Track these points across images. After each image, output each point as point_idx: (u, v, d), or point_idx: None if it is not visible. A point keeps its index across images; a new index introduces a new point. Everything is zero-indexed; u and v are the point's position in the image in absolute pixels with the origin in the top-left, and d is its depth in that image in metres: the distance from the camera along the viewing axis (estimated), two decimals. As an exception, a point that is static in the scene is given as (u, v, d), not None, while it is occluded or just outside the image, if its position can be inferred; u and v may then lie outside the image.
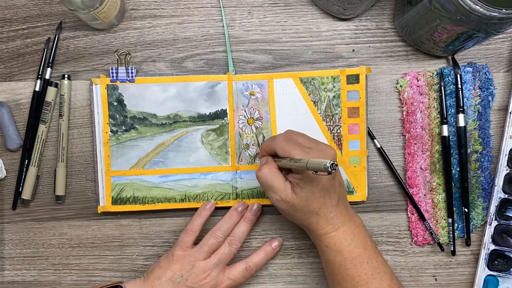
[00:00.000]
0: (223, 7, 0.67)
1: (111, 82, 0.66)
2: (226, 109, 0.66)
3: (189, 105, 0.66)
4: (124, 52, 0.66)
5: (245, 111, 0.66)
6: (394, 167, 0.66)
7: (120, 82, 0.66)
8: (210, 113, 0.66)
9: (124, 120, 0.66)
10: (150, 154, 0.66)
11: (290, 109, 0.66)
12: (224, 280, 0.62)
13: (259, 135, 0.66)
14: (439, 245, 0.66)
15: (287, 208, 0.56)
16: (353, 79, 0.65)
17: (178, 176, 0.66)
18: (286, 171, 0.57)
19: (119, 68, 0.66)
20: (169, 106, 0.66)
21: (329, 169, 0.47)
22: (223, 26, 0.67)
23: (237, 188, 0.66)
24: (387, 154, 0.66)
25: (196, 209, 0.66)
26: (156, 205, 0.66)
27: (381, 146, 0.66)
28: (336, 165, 0.48)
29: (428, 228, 0.66)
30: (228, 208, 0.66)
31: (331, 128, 0.66)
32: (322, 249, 0.58)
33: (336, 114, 0.66)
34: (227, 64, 0.67)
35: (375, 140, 0.66)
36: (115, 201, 0.66)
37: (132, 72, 0.65)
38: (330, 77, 0.65)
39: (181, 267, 0.61)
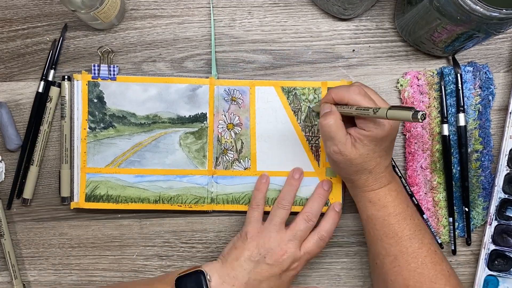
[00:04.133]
0: (213, 10, 0.67)
1: (92, 78, 0.65)
2: (206, 113, 0.66)
3: (169, 107, 0.66)
4: (108, 49, 0.66)
5: (225, 116, 0.66)
6: (397, 166, 0.66)
7: (102, 79, 0.65)
8: (190, 116, 0.66)
9: (103, 118, 0.66)
10: (127, 153, 0.66)
11: (270, 117, 0.66)
12: (302, 255, 0.60)
13: (237, 141, 0.66)
14: (439, 243, 0.66)
15: (341, 161, 0.56)
16: None
17: (154, 177, 0.66)
18: (347, 125, 0.56)
19: (101, 65, 0.65)
20: (149, 106, 0.66)
21: (420, 119, 0.46)
22: (211, 28, 0.67)
23: (212, 192, 0.66)
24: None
25: (169, 211, 0.67)
26: (129, 205, 0.66)
27: None
28: (425, 114, 0.47)
29: (428, 226, 0.66)
30: (202, 212, 0.67)
31: (310, 139, 0.66)
32: (364, 205, 0.58)
33: (315, 125, 0.66)
34: (226, 64, 0.67)
35: None
36: (89, 198, 0.66)
37: (114, 70, 0.65)
38: (311, 88, 0.65)
39: (257, 244, 0.60)
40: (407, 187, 0.65)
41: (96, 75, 0.65)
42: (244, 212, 0.65)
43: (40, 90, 0.66)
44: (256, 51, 0.67)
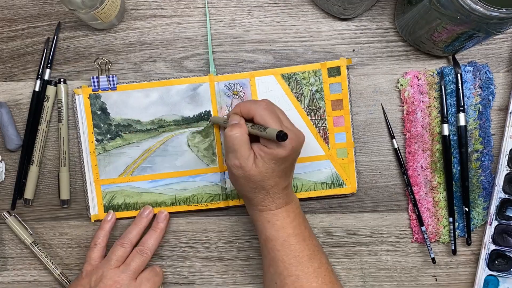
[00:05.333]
0: (209, 7, 0.67)
1: (93, 91, 0.65)
2: (210, 111, 0.66)
3: (173, 109, 0.66)
4: (104, 60, 0.66)
5: (229, 111, 0.66)
6: (404, 166, 0.66)
7: (102, 90, 0.65)
8: (194, 115, 0.66)
9: (109, 129, 0.66)
10: (138, 160, 0.66)
11: None
12: (138, 285, 0.60)
13: None
14: (432, 258, 0.66)
15: (241, 175, 0.55)
16: (334, 71, 0.65)
17: (167, 181, 0.66)
18: (251, 140, 0.56)
19: (100, 76, 0.65)
20: (153, 111, 0.66)
21: (280, 138, 0.51)
22: (207, 24, 0.67)
23: (226, 188, 0.66)
24: (402, 154, 0.66)
25: (187, 212, 0.67)
26: None
27: (398, 147, 0.66)
28: (286, 135, 0.51)
29: (424, 236, 0.65)
30: (218, 209, 0.67)
31: (316, 122, 0.66)
32: (263, 225, 0.57)
33: (320, 107, 0.66)
34: (226, 64, 0.67)
35: (394, 140, 0.66)
36: (107, 208, 0.66)
37: (113, 80, 0.65)
38: (311, 71, 0.65)
39: (89, 280, 0.60)
40: (409, 187, 0.65)
41: (96, 87, 0.65)
42: None
43: (37, 89, 0.66)
44: (256, 51, 0.67)
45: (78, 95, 0.65)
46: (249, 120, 0.56)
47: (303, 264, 0.56)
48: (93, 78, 0.65)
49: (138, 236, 0.64)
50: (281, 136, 0.51)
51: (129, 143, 0.66)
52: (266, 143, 0.54)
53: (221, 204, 0.66)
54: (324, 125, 0.66)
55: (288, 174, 0.57)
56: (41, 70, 0.66)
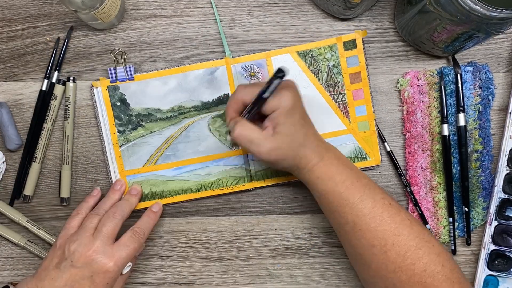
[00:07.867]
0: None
1: (111, 83, 0.66)
2: (228, 94, 0.66)
3: (192, 95, 0.66)
4: (120, 51, 0.66)
5: None
6: (400, 168, 0.66)
7: (120, 81, 0.66)
8: (213, 99, 0.66)
9: (129, 119, 0.66)
10: (161, 148, 0.66)
11: None
12: (115, 252, 0.57)
13: None
14: None
15: (276, 155, 0.55)
16: (350, 44, 0.65)
17: (191, 167, 0.66)
18: (259, 124, 0.56)
19: (117, 68, 0.66)
20: (172, 99, 0.66)
21: (280, 72, 0.52)
22: (213, 6, 0.67)
23: (250, 170, 0.66)
24: (395, 157, 0.66)
25: (212, 197, 0.67)
26: (174, 198, 0.66)
27: (391, 150, 0.66)
28: (282, 70, 0.52)
29: (431, 234, 0.65)
30: (244, 191, 0.67)
31: (335, 97, 0.66)
32: (314, 182, 0.57)
33: (338, 82, 0.66)
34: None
35: (385, 144, 0.66)
36: None
37: (130, 70, 0.65)
38: (327, 47, 0.65)
39: (63, 250, 0.57)
40: (408, 187, 0.65)
41: (114, 78, 0.65)
42: (284, 185, 0.67)
43: (44, 88, 0.66)
44: (256, 51, 0.67)
45: (97, 87, 0.66)
46: (244, 108, 0.57)
47: (356, 209, 0.55)
48: (110, 69, 0.65)
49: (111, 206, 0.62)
50: (281, 71, 0.51)
51: (151, 132, 0.66)
52: (269, 109, 0.55)
53: (247, 186, 0.66)
54: (343, 99, 0.66)
55: (307, 120, 0.58)
56: (49, 71, 0.66)
